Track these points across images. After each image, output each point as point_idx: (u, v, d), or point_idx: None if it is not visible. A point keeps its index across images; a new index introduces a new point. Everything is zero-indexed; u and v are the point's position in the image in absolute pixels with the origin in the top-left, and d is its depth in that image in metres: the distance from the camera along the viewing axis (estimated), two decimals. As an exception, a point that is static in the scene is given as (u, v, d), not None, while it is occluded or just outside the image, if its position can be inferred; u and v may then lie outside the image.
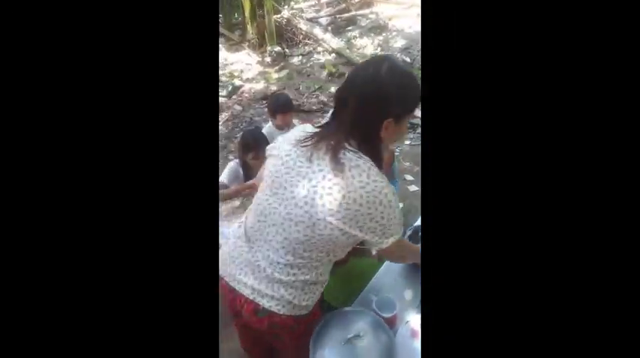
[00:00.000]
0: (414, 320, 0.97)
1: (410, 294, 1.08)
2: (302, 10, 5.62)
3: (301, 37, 5.04)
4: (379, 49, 4.74)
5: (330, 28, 5.26)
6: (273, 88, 4.14)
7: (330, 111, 2.28)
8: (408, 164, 2.81)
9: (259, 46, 4.98)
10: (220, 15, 5.30)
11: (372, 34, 5.07)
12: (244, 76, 4.49)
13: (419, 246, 1.00)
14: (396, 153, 2.78)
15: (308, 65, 4.63)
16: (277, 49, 4.76)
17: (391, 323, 0.97)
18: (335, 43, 4.74)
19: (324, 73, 4.37)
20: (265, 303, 0.81)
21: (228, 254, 0.88)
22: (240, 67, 4.69)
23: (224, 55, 4.88)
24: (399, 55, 4.36)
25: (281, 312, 0.81)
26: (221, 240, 1.48)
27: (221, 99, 3.96)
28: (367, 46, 4.85)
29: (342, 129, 0.72)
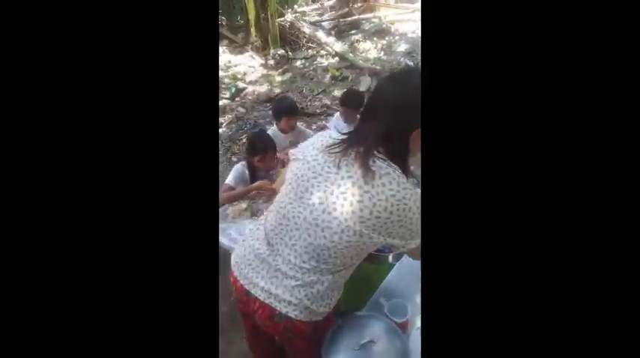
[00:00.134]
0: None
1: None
2: (305, 14, 5.64)
3: (304, 40, 5.06)
4: (382, 53, 4.75)
5: (333, 31, 5.28)
6: (277, 90, 4.14)
7: (335, 115, 2.27)
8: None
9: (263, 48, 4.99)
10: (223, 17, 5.33)
11: (376, 38, 5.09)
12: (247, 79, 4.50)
13: None
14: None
15: (311, 68, 4.64)
16: (281, 52, 4.78)
17: (403, 328, 0.96)
18: (338, 46, 4.75)
19: (328, 76, 4.38)
20: (282, 308, 0.80)
21: (244, 256, 0.87)
22: (244, 69, 4.70)
23: (227, 57, 4.89)
24: (402, 59, 4.37)
25: (298, 318, 0.80)
26: (226, 242, 1.47)
27: (224, 102, 3.96)
28: (370, 50, 4.87)
29: (372, 137, 0.72)
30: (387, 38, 5.07)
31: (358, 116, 2.20)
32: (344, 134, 0.78)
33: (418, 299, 1.07)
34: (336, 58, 4.71)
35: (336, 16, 5.55)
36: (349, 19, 5.48)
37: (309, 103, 3.85)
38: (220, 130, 3.47)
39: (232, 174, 1.73)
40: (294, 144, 2.09)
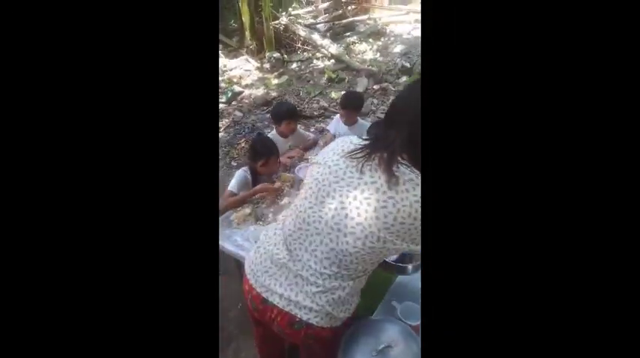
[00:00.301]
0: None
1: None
2: (299, 16, 5.64)
3: (300, 43, 5.06)
4: (378, 54, 4.77)
5: (328, 34, 5.29)
6: (273, 93, 4.13)
7: (335, 117, 2.25)
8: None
9: (258, 52, 4.98)
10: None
11: (371, 40, 5.10)
12: (243, 82, 4.48)
13: None
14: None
15: (307, 71, 4.64)
16: (276, 55, 4.77)
17: (417, 331, 0.95)
18: (334, 48, 4.76)
19: (324, 78, 4.38)
20: (303, 315, 0.78)
21: (260, 263, 0.86)
22: (239, 73, 4.68)
23: (222, 61, 4.87)
24: (398, 60, 4.39)
25: (319, 324, 0.78)
26: (232, 248, 1.45)
27: (221, 106, 3.95)
28: (366, 52, 4.88)
29: (396, 143, 0.71)
30: (382, 39, 5.09)
31: (358, 118, 2.23)
32: (366, 139, 0.78)
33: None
34: (332, 60, 4.72)
35: (331, 19, 5.56)
36: (344, 21, 5.50)
37: (306, 106, 3.84)
38: (218, 135, 3.46)
39: (235, 180, 1.71)
40: (294, 147, 2.09)
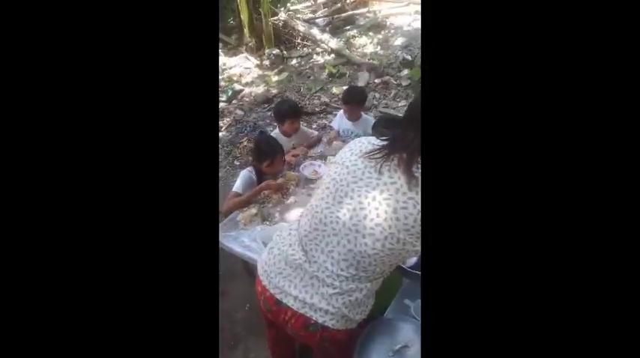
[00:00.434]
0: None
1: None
2: (298, 12, 5.59)
3: (299, 38, 5.01)
4: (379, 47, 4.71)
5: (327, 28, 5.23)
6: (274, 91, 4.10)
7: (339, 113, 2.24)
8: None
9: (257, 49, 4.94)
10: (216, 19, 5.26)
11: (371, 33, 5.04)
12: (244, 80, 4.45)
13: None
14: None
15: (308, 67, 4.59)
16: (275, 51, 4.73)
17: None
18: (334, 43, 4.70)
19: (325, 73, 4.34)
20: (319, 318, 0.77)
21: (274, 264, 0.84)
22: (239, 71, 4.65)
23: (222, 59, 4.84)
24: (399, 52, 4.33)
25: (335, 327, 0.77)
26: (240, 250, 1.44)
27: (222, 105, 3.92)
28: (367, 45, 4.82)
29: (416, 143, 0.70)
30: (382, 32, 5.03)
31: (362, 113, 2.21)
32: (384, 140, 0.76)
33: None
34: (332, 55, 4.67)
35: (330, 13, 5.50)
36: (343, 14, 5.43)
37: (307, 102, 3.81)
38: (220, 134, 3.43)
39: (239, 181, 1.70)
40: (297, 145, 2.07)
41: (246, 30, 4.92)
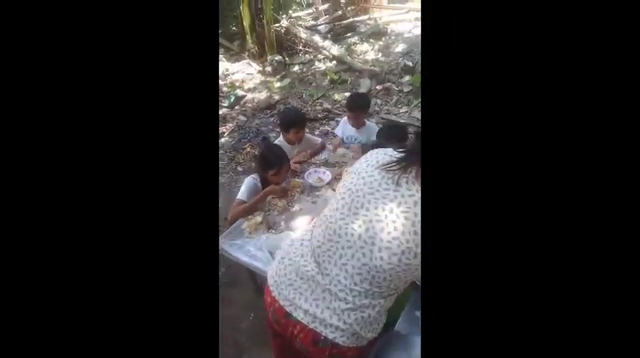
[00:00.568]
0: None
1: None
2: (300, 19, 5.62)
3: (301, 45, 5.04)
4: (380, 54, 4.74)
5: (329, 35, 5.26)
6: (276, 97, 4.11)
7: (342, 120, 2.23)
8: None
9: (259, 55, 4.96)
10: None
11: (372, 40, 5.07)
12: (246, 86, 4.47)
13: None
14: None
15: (309, 73, 4.61)
16: (278, 58, 4.75)
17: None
18: (335, 50, 4.73)
19: (326, 80, 4.36)
20: (329, 334, 0.75)
21: (285, 275, 0.82)
22: (242, 77, 4.67)
23: (224, 65, 4.86)
24: (400, 59, 4.36)
25: (345, 344, 0.75)
26: (246, 259, 1.43)
27: (224, 111, 3.93)
28: (368, 52, 4.85)
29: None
30: (383, 39, 5.06)
31: (366, 120, 2.21)
32: (401, 152, 0.75)
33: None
34: (334, 62, 4.69)
35: (331, 20, 5.54)
36: (344, 22, 5.47)
37: (309, 108, 3.82)
38: (223, 140, 3.44)
39: (244, 188, 1.69)
40: (300, 152, 2.06)
41: (248, 36, 4.96)
